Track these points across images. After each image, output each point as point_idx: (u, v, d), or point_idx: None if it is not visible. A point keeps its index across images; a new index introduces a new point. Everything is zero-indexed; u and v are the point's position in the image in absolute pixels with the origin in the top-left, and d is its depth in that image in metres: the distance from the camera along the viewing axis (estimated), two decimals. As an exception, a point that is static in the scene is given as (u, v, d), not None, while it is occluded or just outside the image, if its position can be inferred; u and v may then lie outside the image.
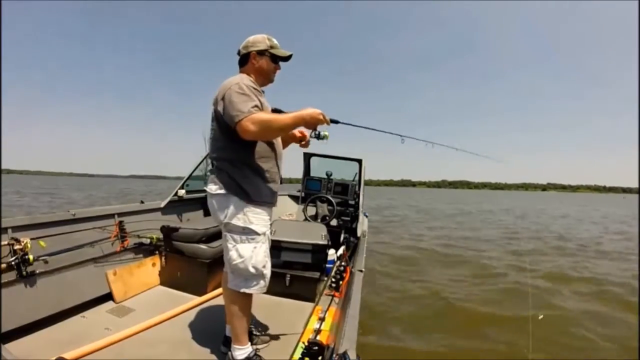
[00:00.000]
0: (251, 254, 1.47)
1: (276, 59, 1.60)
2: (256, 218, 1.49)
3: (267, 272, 1.55)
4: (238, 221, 1.46)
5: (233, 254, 1.48)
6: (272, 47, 1.58)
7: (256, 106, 1.38)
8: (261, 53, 1.56)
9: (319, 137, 1.56)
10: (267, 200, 1.54)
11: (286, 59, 1.64)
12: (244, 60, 1.59)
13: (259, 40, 1.57)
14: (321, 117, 1.45)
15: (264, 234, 1.53)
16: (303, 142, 1.81)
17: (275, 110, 1.60)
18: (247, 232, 1.48)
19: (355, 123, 1.71)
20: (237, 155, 1.48)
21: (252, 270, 1.48)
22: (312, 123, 1.46)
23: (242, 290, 1.50)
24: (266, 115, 1.37)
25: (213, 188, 1.51)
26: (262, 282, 1.53)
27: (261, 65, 1.57)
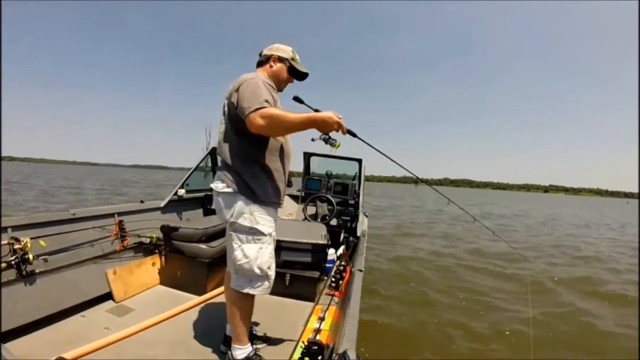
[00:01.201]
0: (257, 255, 1.46)
1: (293, 72, 1.63)
2: (263, 218, 1.48)
3: (272, 273, 1.54)
4: (245, 221, 1.45)
5: (238, 254, 1.47)
6: (293, 59, 1.62)
7: (267, 101, 1.36)
8: (281, 60, 1.60)
9: (327, 141, 1.49)
10: (274, 201, 1.53)
11: (301, 77, 1.67)
12: (264, 61, 1.62)
13: (284, 49, 1.62)
14: (336, 125, 1.38)
15: (270, 234, 1.52)
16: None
17: (295, 99, 1.61)
18: (254, 233, 1.47)
19: (373, 145, 1.59)
20: (246, 153, 1.47)
21: (257, 271, 1.47)
22: (324, 128, 1.40)
23: (246, 290, 1.49)
24: (276, 111, 1.35)
25: (220, 186, 1.49)
26: (266, 283, 1.52)
27: (277, 70, 1.60)
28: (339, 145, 1.52)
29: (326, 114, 1.37)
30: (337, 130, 1.41)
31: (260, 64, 1.63)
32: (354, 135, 1.52)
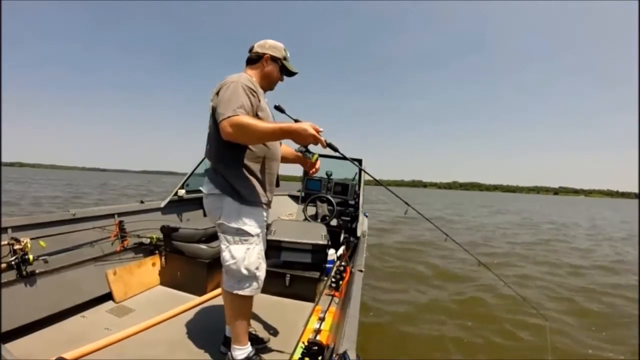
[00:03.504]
0: (244, 256, 1.46)
1: (284, 71, 1.63)
2: (250, 219, 1.47)
3: (261, 273, 1.52)
4: (231, 222, 1.45)
5: (226, 254, 1.47)
6: (285, 58, 1.61)
7: (242, 107, 1.33)
8: (274, 59, 1.58)
9: (303, 154, 1.45)
10: (261, 201, 1.52)
11: (291, 75, 1.67)
12: (255, 59, 1.58)
13: (277, 47, 1.59)
14: (310, 138, 1.32)
15: (258, 235, 1.51)
16: (310, 171, 1.68)
17: (277, 108, 1.58)
18: (240, 233, 1.46)
19: (360, 164, 1.57)
20: (232, 155, 1.46)
21: (245, 271, 1.46)
22: (298, 140, 1.34)
23: (235, 292, 1.48)
24: (246, 120, 1.29)
25: (207, 188, 1.51)
26: (255, 284, 1.51)
27: (270, 70, 1.58)
28: (316, 159, 1.49)
29: (301, 125, 1.31)
30: (316, 144, 1.36)
31: (251, 61, 1.59)
32: (335, 149, 1.47)
